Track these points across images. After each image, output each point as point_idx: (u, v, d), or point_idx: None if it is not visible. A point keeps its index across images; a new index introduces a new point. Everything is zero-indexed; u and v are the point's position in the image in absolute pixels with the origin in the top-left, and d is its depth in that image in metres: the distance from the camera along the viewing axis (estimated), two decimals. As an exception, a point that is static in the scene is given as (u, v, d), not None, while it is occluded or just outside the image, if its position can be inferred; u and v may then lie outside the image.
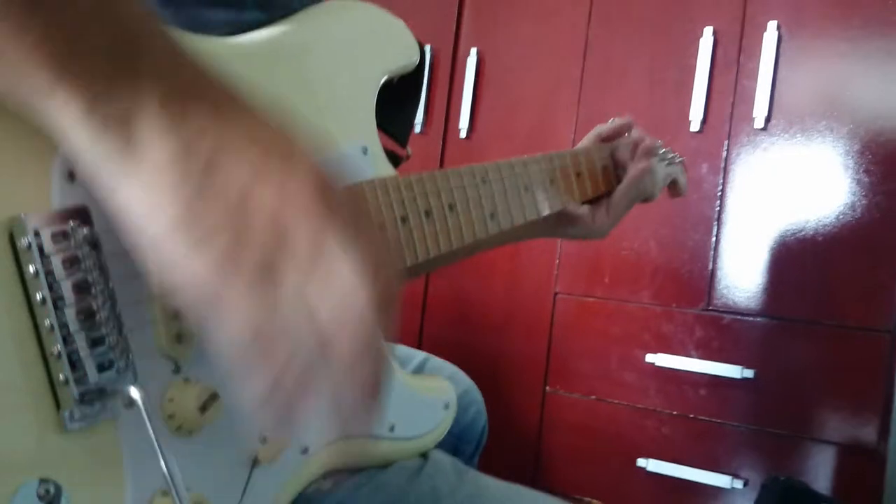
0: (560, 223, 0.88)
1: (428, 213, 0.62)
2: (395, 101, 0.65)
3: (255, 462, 0.51)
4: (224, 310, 0.37)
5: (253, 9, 0.59)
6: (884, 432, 1.46)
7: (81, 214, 0.42)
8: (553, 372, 1.78)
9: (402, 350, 1.05)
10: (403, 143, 0.70)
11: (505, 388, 1.82)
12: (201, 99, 0.39)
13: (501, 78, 1.91)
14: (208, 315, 0.38)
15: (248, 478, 0.50)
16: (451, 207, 0.64)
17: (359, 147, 0.60)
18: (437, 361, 1.06)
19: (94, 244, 0.42)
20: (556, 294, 1.79)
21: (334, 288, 0.38)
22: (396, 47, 0.64)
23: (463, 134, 1.92)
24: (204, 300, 0.37)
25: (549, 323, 1.79)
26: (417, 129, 1.97)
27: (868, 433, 1.47)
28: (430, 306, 1.93)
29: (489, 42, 1.93)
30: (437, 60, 1.97)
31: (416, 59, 0.65)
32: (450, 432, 0.83)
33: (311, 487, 0.58)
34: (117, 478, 0.43)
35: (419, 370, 1.03)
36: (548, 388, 1.79)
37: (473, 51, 1.92)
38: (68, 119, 0.36)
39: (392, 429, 0.62)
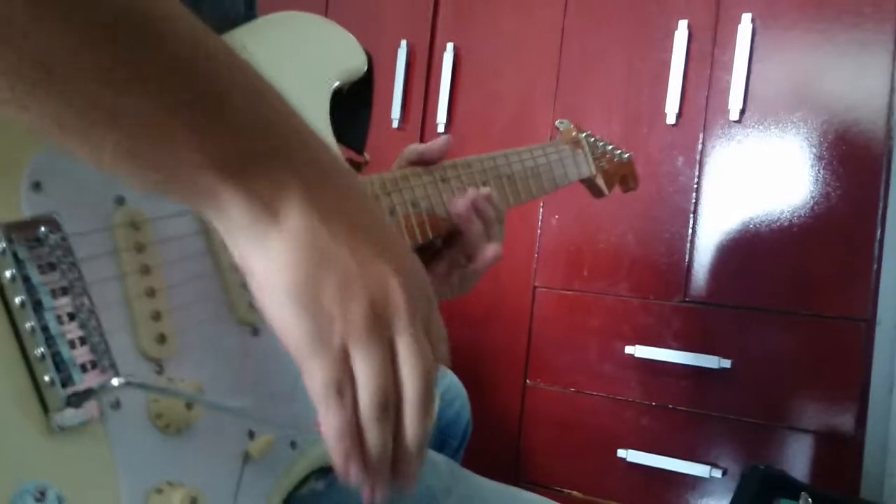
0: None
1: (392, 211, 0.64)
2: (347, 111, 0.66)
3: (246, 457, 0.51)
4: (310, 362, 0.45)
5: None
6: (861, 420, 1.48)
7: (51, 222, 0.43)
8: (533, 365, 1.79)
9: None
10: (360, 151, 0.71)
11: (485, 382, 1.82)
12: (328, 193, 0.46)
13: (478, 72, 1.91)
14: (300, 361, 0.45)
15: (241, 474, 0.50)
16: (415, 205, 0.66)
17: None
18: None
19: (67, 249, 0.43)
20: (535, 287, 1.80)
21: (417, 357, 0.46)
22: (343, 55, 0.65)
23: (441, 128, 1.92)
24: (297, 351, 0.45)
25: (529, 316, 1.80)
26: (395, 124, 1.96)
27: (845, 421, 1.49)
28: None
29: (465, 37, 1.93)
30: (413, 55, 1.97)
31: (364, 65, 0.66)
32: (436, 426, 0.83)
33: (304, 489, 0.59)
34: (110, 478, 0.43)
35: None
36: (528, 381, 1.79)
37: (450, 45, 1.92)
38: (225, 209, 0.43)
39: None
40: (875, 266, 1.48)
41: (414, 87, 1.97)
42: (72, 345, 0.42)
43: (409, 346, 0.46)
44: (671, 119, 1.67)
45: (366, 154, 0.72)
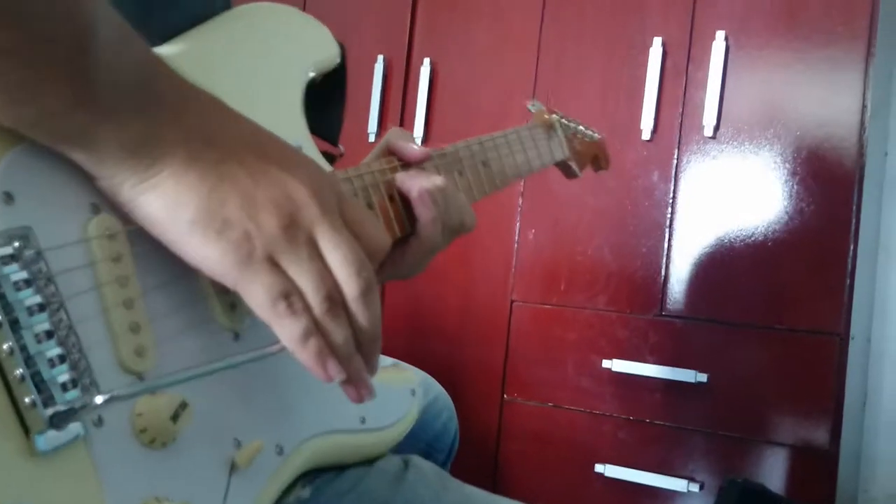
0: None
1: (370, 206, 0.63)
2: (320, 102, 0.65)
3: (233, 467, 0.50)
4: (245, 285, 0.46)
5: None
6: (835, 434, 1.49)
7: (25, 234, 0.41)
8: (510, 380, 1.79)
9: None
10: (335, 142, 0.70)
11: (463, 397, 1.82)
12: (206, 119, 0.47)
13: (455, 86, 1.91)
14: (235, 288, 0.46)
15: (228, 484, 0.50)
16: (392, 198, 0.66)
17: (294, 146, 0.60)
18: (406, 367, 1.05)
19: (42, 263, 0.42)
20: (512, 302, 1.80)
21: (339, 244, 0.47)
22: (316, 46, 0.64)
23: (418, 142, 1.91)
24: (228, 279, 0.46)
25: (507, 331, 1.80)
26: (372, 137, 1.96)
27: (820, 435, 1.50)
28: (386, 316, 1.91)
29: (442, 51, 1.93)
30: (390, 70, 1.97)
31: (337, 55, 0.66)
32: (421, 439, 0.83)
33: (291, 497, 0.58)
34: (96, 498, 0.42)
35: None
36: (505, 396, 1.79)
37: (426, 60, 1.92)
38: (97, 151, 0.43)
39: (363, 420, 0.63)
40: (848, 281, 1.50)
41: (391, 101, 1.97)
42: (51, 363, 0.40)
43: (330, 237, 0.47)
44: (646, 135, 1.68)
45: (341, 146, 0.72)
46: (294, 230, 0.46)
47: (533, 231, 1.79)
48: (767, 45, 1.60)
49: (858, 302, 1.54)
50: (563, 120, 0.97)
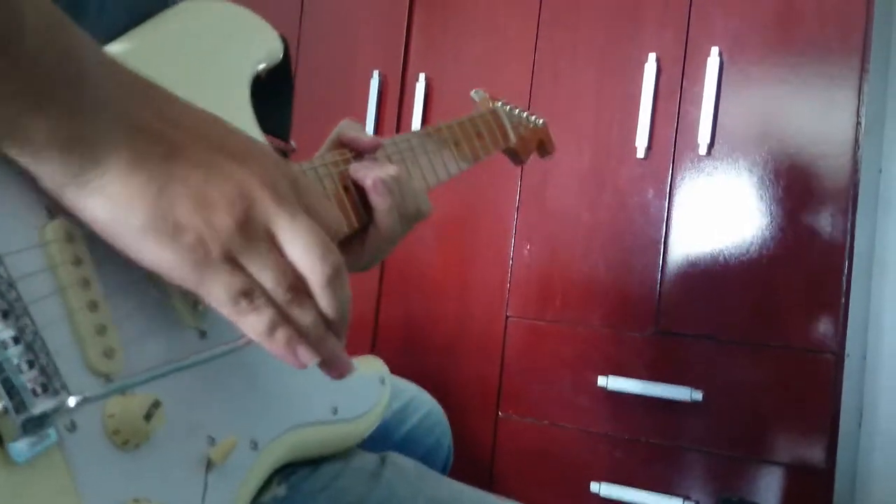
0: None
1: (325, 197, 0.64)
2: (268, 99, 0.65)
3: (209, 464, 0.50)
4: (205, 287, 0.44)
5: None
6: (831, 452, 1.48)
7: None
8: (505, 396, 1.78)
9: None
10: (286, 139, 0.70)
11: (457, 413, 1.80)
12: (149, 110, 0.44)
13: (450, 103, 1.91)
14: (195, 290, 0.45)
15: (206, 482, 0.49)
16: (347, 189, 0.66)
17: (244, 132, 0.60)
18: (398, 382, 1.05)
19: (3, 269, 0.41)
20: (507, 317, 1.79)
21: (298, 232, 0.46)
22: (259, 41, 0.64)
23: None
24: (187, 282, 0.44)
25: (501, 346, 1.79)
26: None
27: (816, 453, 1.49)
28: (381, 330, 1.92)
29: (437, 67, 1.93)
30: (385, 85, 1.97)
31: (280, 49, 0.66)
32: (414, 454, 0.82)
33: (267, 496, 0.58)
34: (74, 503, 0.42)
35: None
36: (500, 412, 1.78)
37: (422, 76, 1.92)
38: (34, 149, 0.40)
39: (335, 411, 0.63)
40: (843, 298, 1.49)
41: (386, 116, 1.97)
42: (19, 369, 0.40)
43: (289, 226, 0.46)
44: (641, 153, 1.68)
45: (292, 142, 0.72)
46: (250, 226, 0.45)
47: (528, 246, 1.79)
48: (762, 61, 1.60)
49: (854, 319, 1.54)
50: (507, 107, 0.98)
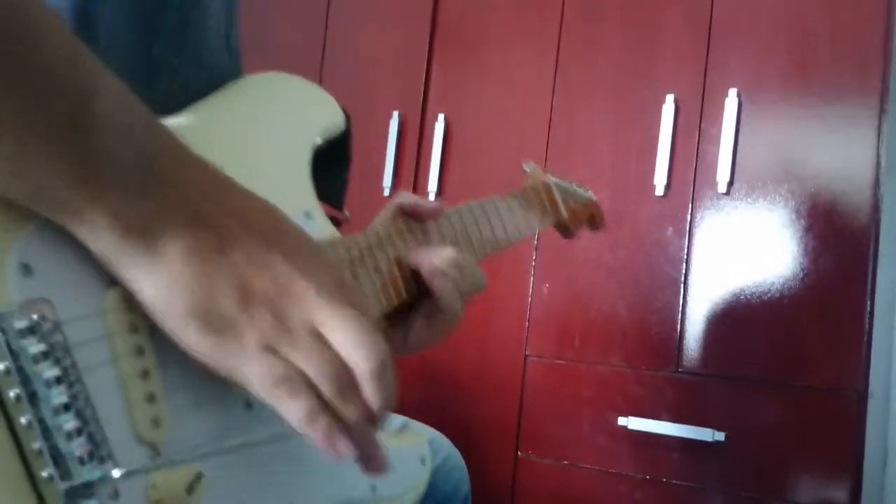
0: None
1: (377, 270, 0.64)
2: (326, 168, 0.67)
3: None
4: (241, 375, 0.45)
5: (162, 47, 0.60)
6: (855, 494, 1.46)
7: (44, 306, 0.42)
8: (525, 436, 1.77)
9: None
10: (340, 207, 0.71)
11: (476, 453, 1.80)
12: (209, 199, 0.46)
13: (469, 143, 1.93)
14: (232, 378, 0.45)
15: None
16: (398, 262, 0.66)
17: (302, 213, 0.62)
18: (416, 426, 1.04)
19: (60, 335, 0.42)
20: (526, 356, 1.79)
21: (344, 323, 0.46)
22: (322, 114, 0.66)
23: (432, 196, 1.93)
24: (223, 370, 0.45)
25: (521, 386, 1.79)
26: (387, 192, 1.98)
27: (840, 495, 1.47)
28: (399, 368, 1.91)
29: (456, 108, 1.95)
30: (405, 125, 1.99)
31: (342, 123, 0.67)
32: (433, 498, 0.82)
33: None
34: None
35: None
36: (520, 452, 1.77)
37: (441, 116, 1.94)
38: (93, 229, 0.42)
39: (374, 489, 0.62)
40: (865, 338, 1.48)
41: (405, 156, 1.99)
42: (68, 437, 0.40)
43: (333, 318, 0.46)
44: (660, 191, 1.69)
45: (346, 211, 0.73)
46: (290, 320, 0.45)
47: (547, 285, 1.79)
48: (780, 101, 1.61)
49: (876, 359, 1.53)
50: (558, 181, 0.98)
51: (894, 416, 1.76)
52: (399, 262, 0.66)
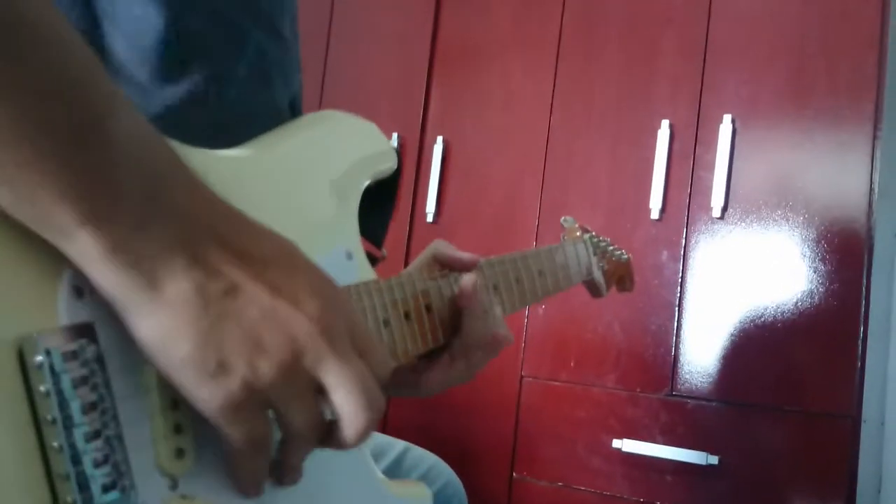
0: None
1: (407, 315, 0.64)
2: (372, 205, 0.67)
3: None
4: (224, 427, 0.44)
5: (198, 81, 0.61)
6: (849, 519, 1.46)
7: (89, 332, 0.42)
8: (520, 457, 1.77)
9: (382, 439, 1.04)
10: (380, 245, 0.72)
11: (471, 473, 1.80)
12: (214, 241, 0.43)
13: (467, 165, 1.95)
14: (214, 421, 0.44)
15: None
16: (429, 308, 0.67)
17: (343, 252, 0.62)
18: (417, 451, 1.05)
19: (101, 363, 0.42)
20: (522, 377, 1.79)
21: (345, 379, 0.45)
22: (376, 155, 0.67)
23: (430, 218, 1.95)
24: (210, 418, 0.43)
25: (516, 407, 1.79)
26: (384, 214, 1.99)
27: (833, 520, 1.48)
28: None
29: (455, 131, 1.97)
30: (404, 147, 2.01)
31: (395, 165, 0.68)
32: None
33: None
34: None
35: (399, 461, 1.02)
36: (514, 474, 1.77)
37: (440, 139, 1.96)
38: (89, 258, 0.39)
39: None
40: (859, 363, 1.49)
41: (404, 177, 2.00)
42: (95, 463, 0.41)
43: (336, 373, 0.45)
44: (655, 214, 1.70)
45: (383, 250, 0.74)
46: (294, 373, 0.44)
47: (543, 306, 1.80)
48: (774, 127, 1.62)
49: (870, 384, 1.53)
50: (595, 239, 0.99)
51: (888, 441, 1.76)
52: (429, 308, 0.67)
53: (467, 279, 0.69)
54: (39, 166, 0.37)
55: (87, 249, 0.39)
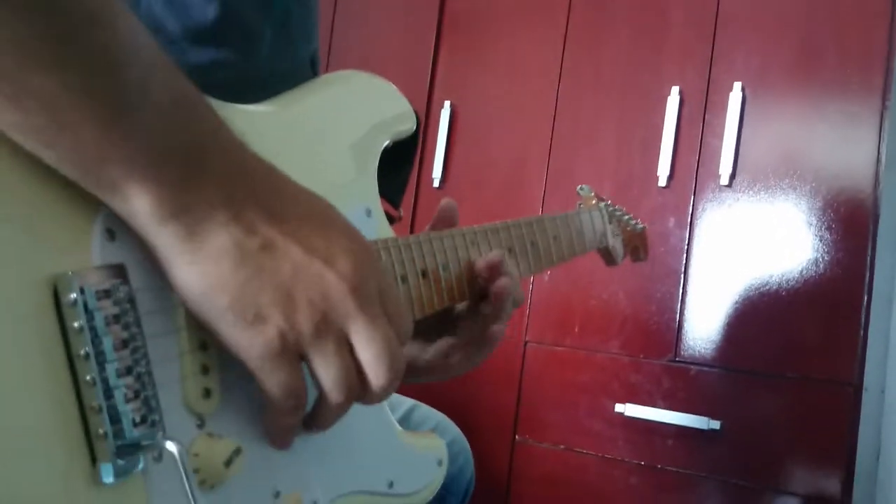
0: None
1: (424, 273, 0.65)
2: (390, 166, 0.68)
3: None
4: (263, 375, 0.46)
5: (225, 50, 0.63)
6: (847, 485, 1.49)
7: (121, 272, 0.43)
8: (522, 421, 1.79)
9: (391, 396, 1.05)
10: (397, 206, 0.73)
11: (474, 436, 1.81)
12: (253, 200, 0.46)
13: (474, 131, 1.95)
14: (252, 370, 0.46)
15: None
16: (445, 267, 0.67)
17: (363, 209, 0.63)
18: (424, 409, 1.07)
19: (132, 302, 0.43)
20: (526, 343, 1.81)
21: (372, 339, 0.48)
22: (396, 116, 0.68)
23: (436, 183, 1.95)
24: (249, 364, 0.46)
25: (520, 372, 1.81)
26: (391, 178, 1.99)
27: (832, 485, 1.50)
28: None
29: (462, 96, 1.97)
30: (411, 111, 2.00)
31: (414, 126, 0.69)
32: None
33: None
34: None
35: (407, 417, 1.04)
36: (517, 437, 1.79)
37: (447, 104, 1.96)
38: (135, 211, 0.42)
39: (391, 485, 0.64)
40: (862, 332, 1.50)
41: (411, 142, 2.00)
42: (126, 398, 0.42)
43: (364, 332, 0.48)
44: (662, 182, 1.70)
45: (401, 209, 0.75)
46: (326, 327, 0.46)
47: (548, 273, 1.81)
48: (784, 96, 1.62)
49: (872, 353, 1.55)
50: (610, 208, 0.99)
51: (888, 409, 1.78)
52: (446, 267, 0.68)
53: (500, 282, 0.68)
54: (82, 131, 0.39)
55: (132, 203, 0.41)
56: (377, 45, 2.09)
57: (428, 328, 0.71)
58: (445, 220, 0.75)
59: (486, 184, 1.91)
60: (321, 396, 0.49)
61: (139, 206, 0.42)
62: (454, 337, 0.71)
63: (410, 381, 0.73)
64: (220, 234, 0.44)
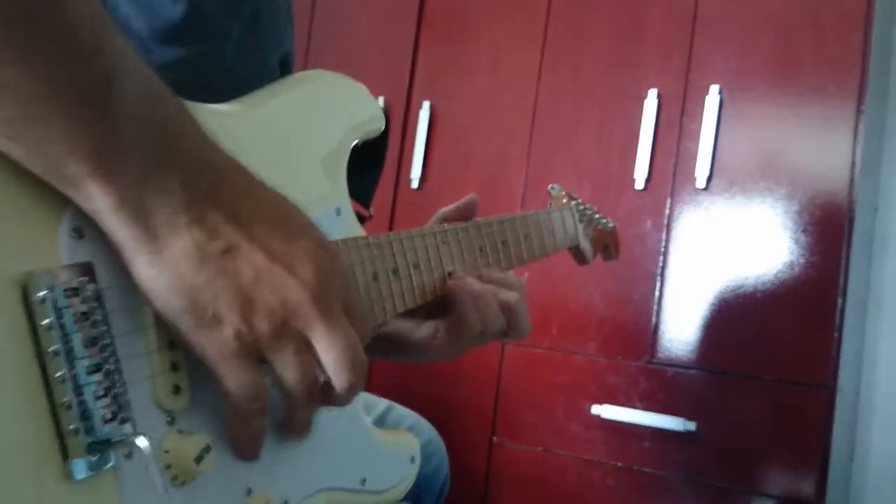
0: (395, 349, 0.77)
1: (395, 272, 0.65)
2: (360, 166, 0.68)
3: None
4: (220, 376, 0.46)
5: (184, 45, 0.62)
6: (821, 486, 1.50)
7: (88, 270, 0.43)
8: (500, 422, 1.79)
9: (366, 397, 1.05)
10: (367, 205, 0.73)
11: (452, 438, 1.81)
12: (219, 201, 0.46)
13: (453, 131, 1.94)
14: (211, 370, 0.47)
15: None
16: (416, 266, 0.67)
17: (333, 209, 0.63)
18: (400, 410, 1.07)
19: (100, 300, 0.44)
20: (504, 344, 1.81)
21: (334, 343, 0.48)
22: (365, 114, 0.68)
23: (415, 184, 1.94)
24: (207, 364, 0.46)
25: (497, 373, 1.81)
26: (369, 178, 1.98)
27: (807, 486, 1.51)
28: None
29: (441, 96, 1.96)
30: (390, 112, 2.00)
31: (382, 125, 0.70)
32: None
33: None
34: None
35: (382, 418, 1.04)
36: (495, 438, 1.79)
37: (426, 104, 1.95)
38: (98, 208, 0.42)
39: (363, 482, 0.64)
40: (836, 334, 1.52)
41: (390, 142, 1.99)
42: (96, 395, 0.42)
43: (326, 337, 0.48)
44: (640, 184, 1.71)
45: (371, 209, 0.75)
46: (285, 332, 0.47)
47: (526, 274, 1.80)
48: (761, 100, 1.63)
49: (846, 355, 1.56)
50: (581, 206, 0.99)
51: (862, 411, 1.80)
52: (417, 266, 0.68)
53: (450, 283, 0.69)
54: (50, 123, 0.39)
55: (96, 201, 0.41)
56: (356, 45, 2.08)
57: (429, 306, 0.70)
58: (462, 213, 0.77)
59: (465, 184, 1.90)
60: (285, 399, 0.50)
61: (102, 204, 0.42)
62: (442, 321, 0.71)
63: (401, 358, 0.76)
64: (183, 236, 0.44)
